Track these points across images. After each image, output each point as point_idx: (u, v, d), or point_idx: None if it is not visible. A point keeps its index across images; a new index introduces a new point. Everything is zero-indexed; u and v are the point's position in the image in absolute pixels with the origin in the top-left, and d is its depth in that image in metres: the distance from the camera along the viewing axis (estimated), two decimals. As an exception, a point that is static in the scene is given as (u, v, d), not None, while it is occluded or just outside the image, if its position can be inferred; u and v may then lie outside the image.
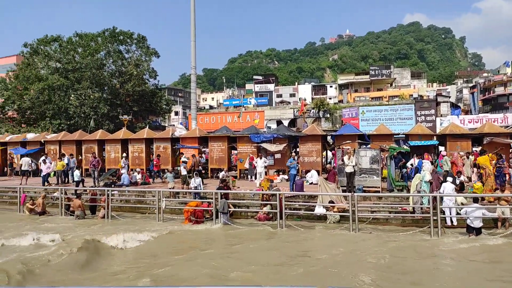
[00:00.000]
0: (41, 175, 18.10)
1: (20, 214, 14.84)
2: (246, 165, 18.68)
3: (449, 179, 11.80)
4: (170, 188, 15.17)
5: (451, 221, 11.30)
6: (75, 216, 13.72)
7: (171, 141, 20.92)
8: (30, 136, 24.94)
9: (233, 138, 20.16)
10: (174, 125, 59.68)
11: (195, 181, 14.53)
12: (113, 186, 16.30)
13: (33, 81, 32.16)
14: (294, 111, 45.00)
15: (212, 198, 12.73)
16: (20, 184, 18.64)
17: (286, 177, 17.48)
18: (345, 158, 13.61)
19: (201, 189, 14.47)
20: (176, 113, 71.40)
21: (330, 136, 21.58)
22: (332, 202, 12.37)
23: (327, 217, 12.28)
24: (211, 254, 9.39)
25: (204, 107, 72.69)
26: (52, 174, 19.77)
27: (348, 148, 14.43)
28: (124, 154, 20.31)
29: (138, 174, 18.59)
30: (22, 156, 21.91)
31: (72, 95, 32.81)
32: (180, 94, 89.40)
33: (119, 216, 13.78)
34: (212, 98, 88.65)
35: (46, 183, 17.62)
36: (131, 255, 9.33)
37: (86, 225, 12.83)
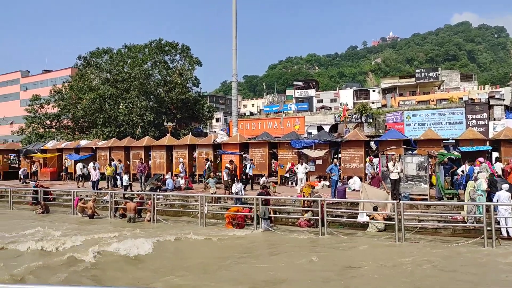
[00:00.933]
0: (91, 180, 19.11)
1: (73, 216, 15.79)
2: (250, 171, 18.58)
3: (505, 186, 11.02)
4: (212, 193, 15.47)
5: (507, 232, 10.54)
6: (127, 219, 14.34)
7: (213, 147, 21.36)
8: (83, 143, 26.55)
9: (273, 144, 20.21)
10: (215, 132, 60.87)
11: (236, 187, 14.72)
12: (158, 190, 16.90)
13: (86, 91, 34.28)
14: (335, 117, 44.28)
15: (253, 204, 12.84)
16: (78, 187, 19.93)
17: (327, 183, 17.21)
18: (390, 164, 13.17)
19: (242, 194, 14.62)
20: (218, 120, 72.78)
21: (373, 142, 20.99)
22: (377, 209, 11.99)
23: (369, 225, 11.92)
24: (253, 259, 9.43)
25: (245, 114, 73.51)
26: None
27: (393, 154, 13.95)
28: (181, 160, 20.77)
29: (181, 179, 19.13)
30: (76, 162, 23.39)
31: (121, 104, 34.56)
32: (221, 101, 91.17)
33: (164, 220, 14.26)
34: (253, 105, 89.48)
35: (96, 188, 18.63)
36: (168, 257, 9.60)
37: (139, 227, 13.38)
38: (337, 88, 76.39)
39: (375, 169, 16.63)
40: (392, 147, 16.27)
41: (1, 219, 15.53)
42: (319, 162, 18.36)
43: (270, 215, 12.54)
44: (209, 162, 19.39)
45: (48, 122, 36.02)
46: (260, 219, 12.36)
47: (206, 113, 43.04)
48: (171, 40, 38.97)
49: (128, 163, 23.36)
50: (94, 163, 20.12)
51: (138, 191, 17.38)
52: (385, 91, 62.64)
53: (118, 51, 38.08)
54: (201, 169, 21.65)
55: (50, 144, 27.32)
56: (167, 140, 23.30)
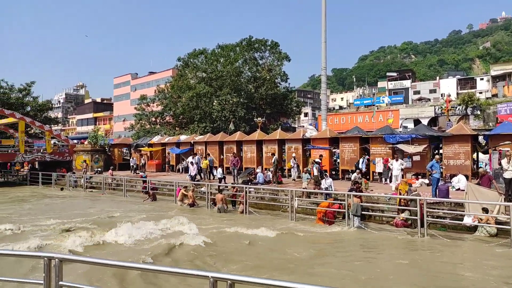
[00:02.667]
0: (189, 174, 20.66)
1: (175, 205, 17.34)
2: (378, 168, 17.80)
3: None
4: (302, 188, 15.54)
5: None
6: (216, 209, 15.31)
7: (302, 142, 21.41)
8: (183, 137, 28.90)
9: (365, 138, 19.46)
10: (303, 126, 60.75)
11: (326, 182, 14.57)
12: (250, 183, 17.59)
13: (184, 90, 37.21)
14: (435, 109, 40.66)
15: (343, 200, 12.59)
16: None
17: (426, 181, 15.98)
18: (503, 161, 11.69)
19: (332, 190, 14.43)
20: (306, 115, 72.47)
21: (482, 136, 18.81)
22: (487, 211, 10.77)
23: (478, 228, 10.76)
24: (346, 257, 9.27)
25: (334, 108, 71.88)
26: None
27: (508, 150, 12.33)
28: (294, 155, 20.93)
29: (271, 173, 19.57)
30: (177, 155, 25.59)
31: (215, 101, 36.70)
32: (309, 96, 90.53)
33: (256, 212, 14.82)
34: (342, 98, 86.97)
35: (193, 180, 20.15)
36: (259, 249, 9.91)
37: (228, 217, 14.19)
38: (437, 78, 69.86)
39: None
40: (507, 142, 14.37)
41: (122, 204, 17.80)
42: (416, 158, 17.13)
43: (362, 212, 12.16)
44: (275, 157, 19.53)
45: (153, 119, 40.01)
46: (351, 216, 12.08)
47: (294, 108, 43.24)
48: (261, 37, 40.03)
49: (221, 156, 24.76)
50: (193, 158, 21.67)
51: (231, 183, 18.33)
52: (495, 79, 55.21)
53: (212, 51, 40.42)
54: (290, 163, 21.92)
55: (155, 139, 30.35)
56: (257, 135, 24.05)
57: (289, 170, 21.62)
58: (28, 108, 39.94)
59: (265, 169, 20.95)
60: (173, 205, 17.33)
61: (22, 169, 32.10)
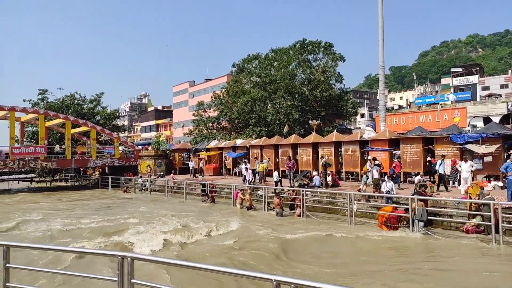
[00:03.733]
0: (243, 179, 21.00)
1: (233, 207, 17.70)
2: (440, 169, 16.65)
3: None
4: (361, 191, 15.07)
5: None
6: (275, 213, 15.37)
7: (360, 143, 20.78)
8: (239, 141, 29.50)
9: (429, 139, 18.37)
10: (360, 128, 58.80)
11: (387, 185, 13.97)
12: (306, 186, 17.43)
13: (239, 95, 37.95)
14: (507, 105, 37.19)
15: (406, 204, 11.98)
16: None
17: (500, 184, 14.66)
18: None
19: (393, 193, 13.80)
20: (362, 116, 70.25)
21: None
22: None
23: None
24: (410, 264, 8.81)
25: (392, 108, 68.78)
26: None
27: None
28: (369, 157, 19.65)
29: (328, 176, 19.24)
30: (233, 158, 26.16)
31: (269, 105, 36.96)
32: (365, 96, 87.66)
33: (313, 216, 14.64)
34: (401, 98, 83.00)
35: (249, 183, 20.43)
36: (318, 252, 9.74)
37: (286, 221, 14.17)
38: (509, 72, 63.93)
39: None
40: None
41: (187, 207, 18.61)
42: (488, 159, 15.79)
43: (428, 217, 11.47)
44: (324, 159, 18.99)
45: (210, 124, 41.28)
46: (415, 221, 11.45)
47: (350, 109, 42.08)
48: (314, 38, 39.59)
49: (277, 160, 24.85)
50: (245, 164, 22.14)
51: (287, 186, 18.31)
52: None
53: (266, 56, 40.78)
54: (347, 166, 21.40)
55: (213, 144, 31.32)
56: (312, 137, 23.80)
57: (347, 173, 21.12)
58: (98, 117, 43.34)
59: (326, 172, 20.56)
60: (232, 207, 17.71)
61: (93, 174, 34.87)
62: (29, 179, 34.52)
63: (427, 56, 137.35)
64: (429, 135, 18.83)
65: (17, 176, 34.10)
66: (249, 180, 20.47)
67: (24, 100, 41.05)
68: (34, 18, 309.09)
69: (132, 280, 4.20)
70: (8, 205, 20.47)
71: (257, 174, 21.90)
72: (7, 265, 4.95)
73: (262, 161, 22.80)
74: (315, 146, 23.01)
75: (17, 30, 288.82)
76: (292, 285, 3.09)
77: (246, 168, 21.28)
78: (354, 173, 21.24)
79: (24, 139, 34.40)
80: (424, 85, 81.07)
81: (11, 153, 26.30)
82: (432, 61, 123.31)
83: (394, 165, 17.19)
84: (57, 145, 32.09)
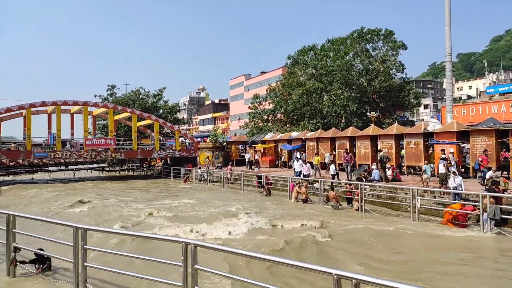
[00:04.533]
0: (295, 170, 20.85)
1: (289, 200, 17.74)
2: None
3: None
4: (424, 186, 14.30)
5: None
6: (330, 206, 15.16)
7: (423, 136, 19.66)
8: (294, 134, 29.38)
9: (503, 131, 16.83)
10: (423, 120, 55.47)
11: (455, 181, 13.08)
12: (364, 181, 16.92)
13: (294, 87, 37.66)
14: None
15: (475, 201, 11.14)
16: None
17: None
18: None
19: (462, 189, 12.89)
20: (426, 107, 66.24)
21: None
22: None
23: None
24: (481, 267, 8.21)
25: (460, 98, 63.86)
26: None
27: None
28: (452, 150, 17.86)
29: (389, 170, 18.48)
30: (289, 151, 26.14)
31: (325, 97, 36.23)
32: (429, 86, 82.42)
33: (372, 210, 14.20)
34: (470, 87, 76.79)
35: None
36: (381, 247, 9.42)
37: (343, 215, 13.92)
38: None
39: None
40: None
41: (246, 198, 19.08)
42: None
43: (501, 216, 10.57)
44: (382, 153, 18.18)
45: (266, 117, 41.55)
46: (487, 219, 10.61)
47: (412, 100, 39.85)
48: (373, 26, 37.90)
49: (333, 153, 24.37)
50: (300, 155, 22.13)
51: (345, 180, 17.91)
52: None
53: (322, 47, 39.93)
54: (409, 159, 20.38)
55: (268, 136, 31.53)
56: (371, 129, 22.97)
57: (409, 167, 20.14)
58: (161, 111, 45.68)
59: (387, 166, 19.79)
60: (287, 200, 17.77)
61: (157, 164, 36.94)
62: (101, 168, 37.52)
63: (500, 41, 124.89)
64: (503, 127, 17.25)
65: (90, 166, 37.21)
66: (304, 174, 20.31)
67: (95, 96, 44.65)
68: (102, 19, 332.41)
69: (196, 266, 4.43)
70: (86, 190, 22.41)
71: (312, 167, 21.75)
72: (85, 246, 5.47)
73: (317, 153, 22.50)
74: (374, 139, 22.20)
75: (88, 31, 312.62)
76: (353, 281, 3.05)
77: (297, 158, 21.12)
78: (417, 167, 20.18)
79: (96, 132, 37.35)
80: (496, 73, 74.16)
81: (85, 145, 28.74)
82: (507, 46, 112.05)
83: (480, 159, 16.00)
84: (121, 138, 34.45)
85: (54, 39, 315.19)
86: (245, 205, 15.96)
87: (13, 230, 6.50)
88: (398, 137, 21.18)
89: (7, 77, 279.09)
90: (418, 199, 12.82)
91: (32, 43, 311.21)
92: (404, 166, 20.91)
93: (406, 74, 40.28)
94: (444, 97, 40.17)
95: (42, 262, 6.80)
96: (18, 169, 33.08)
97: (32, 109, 27.76)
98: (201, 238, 10.04)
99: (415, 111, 55.65)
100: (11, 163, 31.03)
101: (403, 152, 21.34)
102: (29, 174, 33.10)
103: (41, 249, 6.63)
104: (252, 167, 28.17)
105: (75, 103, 29.47)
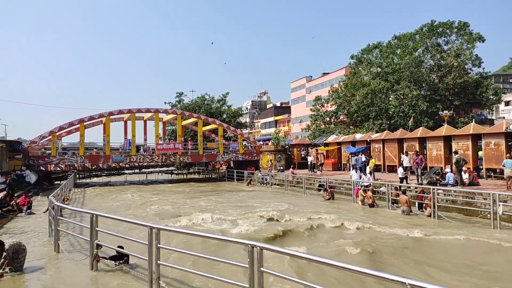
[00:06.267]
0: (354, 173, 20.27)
1: (354, 204, 17.19)
2: None
3: None
4: (508, 188, 12.97)
5: None
6: (401, 211, 14.38)
7: (505, 136, 17.88)
8: (358, 136, 28.45)
9: None
10: (504, 118, 50.28)
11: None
12: (438, 184, 15.83)
13: (358, 87, 36.47)
14: None
15: None
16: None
17: None
18: None
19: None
20: (507, 103, 60.01)
21: None
22: None
23: None
24: None
25: (550, 92, 56.86)
26: None
27: None
28: None
29: (465, 173, 17.06)
30: (352, 154, 25.36)
31: (392, 96, 34.54)
32: (511, 80, 74.72)
33: (446, 217, 13.22)
34: (562, 79, 68.00)
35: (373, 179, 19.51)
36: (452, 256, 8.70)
37: (415, 221, 13.13)
38: None
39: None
40: None
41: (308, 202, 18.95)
42: None
43: None
44: (457, 155, 16.59)
45: (328, 119, 40.78)
46: None
47: (491, 96, 36.37)
48: (445, 19, 35.36)
49: (401, 155, 23.12)
50: (354, 162, 21.55)
51: (415, 184, 16.91)
52: None
53: (388, 43, 38.22)
54: (489, 162, 18.63)
55: (331, 138, 30.92)
56: (444, 130, 21.45)
57: (488, 169, 18.42)
58: (224, 116, 47.14)
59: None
60: (352, 204, 17.25)
61: (221, 167, 38.13)
62: (170, 171, 39.73)
63: None
64: None
65: (160, 169, 39.60)
66: (359, 176, 19.68)
67: (165, 103, 47.47)
68: (170, 31, 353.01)
69: (261, 269, 4.50)
70: (160, 192, 23.87)
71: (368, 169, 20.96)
72: (158, 245, 5.84)
73: (371, 156, 21.75)
74: (447, 140, 20.71)
75: (157, 43, 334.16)
76: (428, 292, 2.88)
77: (355, 168, 20.53)
78: (498, 170, 18.38)
79: (166, 137, 39.68)
80: None
81: (156, 149, 30.67)
82: None
83: None
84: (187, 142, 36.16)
85: (125, 51, 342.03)
86: (310, 207, 15.79)
87: (96, 228, 7.17)
88: (476, 138, 19.51)
89: (88, 88, 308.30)
90: (500, 205, 11.66)
91: (109, 56, 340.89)
92: (482, 169, 19.18)
93: (483, 68, 37.00)
94: (531, 92, 36.10)
95: (121, 258, 7.40)
96: (99, 172, 36.35)
97: (111, 116, 30.31)
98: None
99: (494, 109, 50.68)
100: (92, 167, 34.20)
101: (481, 153, 19.62)
102: (107, 177, 36.17)
103: (121, 247, 7.21)
104: (315, 170, 27.80)
105: (148, 110, 31.60)
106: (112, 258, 7.44)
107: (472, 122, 23.29)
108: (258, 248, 4.50)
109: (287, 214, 14.02)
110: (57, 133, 28.42)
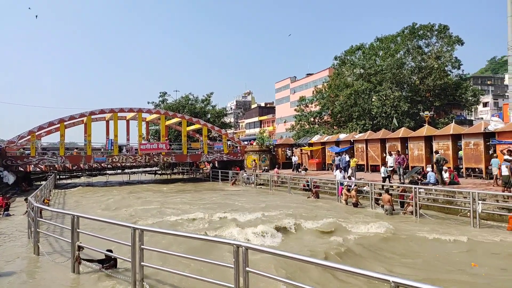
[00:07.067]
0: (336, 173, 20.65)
1: (338, 203, 17.35)
2: None
3: None
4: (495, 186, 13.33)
5: None
6: (384, 210, 14.60)
7: (484, 136, 18.36)
8: (342, 136, 28.74)
9: None
10: (482, 118, 51.71)
11: (522, 184, 12.06)
12: (419, 183, 16.13)
13: (342, 88, 36.88)
14: None
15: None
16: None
17: None
18: None
19: (530, 194, 11.84)
20: (485, 105, 61.84)
21: None
22: None
23: None
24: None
25: (526, 94, 58.73)
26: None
27: None
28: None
29: (445, 173, 17.45)
30: (337, 154, 25.60)
31: (374, 97, 35.08)
32: (489, 82, 77.03)
33: (427, 215, 13.49)
34: (537, 81, 70.36)
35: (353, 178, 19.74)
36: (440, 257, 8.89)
37: (397, 219, 13.33)
38: None
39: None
40: None
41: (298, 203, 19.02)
42: None
43: None
44: (438, 155, 17.12)
45: (312, 119, 41.08)
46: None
47: (470, 97, 37.36)
48: (426, 22, 36.08)
49: (384, 155, 23.49)
50: (337, 162, 21.92)
51: (397, 183, 17.20)
52: None
53: (370, 45, 38.77)
54: (468, 161, 19.11)
55: (315, 138, 31.15)
56: (425, 130, 21.87)
57: (467, 169, 18.88)
58: (209, 116, 46.90)
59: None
60: (336, 203, 17.41)
61: (205, 168, 37.90)
62: (153, 172, 39.23)
63: None
64: None
65: (144, 169, 39.07)
66: (343, 176, 19.95)
67: (148, 102, 46.89)
68: (152, 30, 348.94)
69: (247, 268, 4.48)
70: (143, 193, 23.54)
71: (350, 169, 21.28)
72: (142, 246, 5.74)
73: (352, 156, 22.07)
74: (428, 140, 21.13)
75: (141, 40, 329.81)
76: (413, 289, 2.91)
77: (339, 168, 20.78)
78: (477, 170, 18.87)
79: (149, 137, 39.17)
80: None
81: (140, 149, 30.25)
82: None
83: None
84: (172, 143, 35.81)
85: (109, 51, 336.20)
86: (295, 207, 15.85)
87: (77, 230, 7.00)
88: (456, 138, 19.96)
89: (67, 87, 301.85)
90: (479, 203, 11.97)
91: (90, 55, 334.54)
92: (462, 168, 19.67)
93: (463, 70, 38.04)
94: (506, 94, 37.14)
95: (108, 261, 7.24)
96: (80, 173, 35.58)
97: (92, 116, 29.73)
98: (254, 241, 10.07)
99: (473, 110, 52.14)
100: (73, 167, 33.47)
101: (461, 153, 20.11)
102: (89, 177, 35.46)
103: (110, 250, 7.05)
104: (299, 169, 27.96)
105: (131, 110, 31.14)
106: (100, 261, 7.28)
107: (452, 122, 23.86)
108: (243, 248, 4.49)
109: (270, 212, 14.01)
110: (37, 133, 27.70)
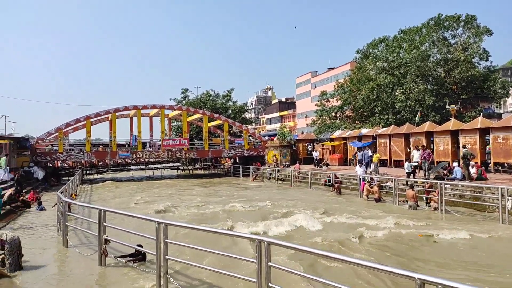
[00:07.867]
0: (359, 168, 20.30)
1: (360, 199, 17.13)
2: None
3: None
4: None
5: None
6: (408, 206, 14.31)
7: (514, 130, 17.69)
8: (364, 131, 28.31)
9: None
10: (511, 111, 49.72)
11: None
12: (445, 179, 15.72)
13: (364, 82, 36.23)
14: None
15: None
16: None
17: None
18: None
19: None
20: (516, 97, 59.30)
21: None
22: None
23: None
24: None
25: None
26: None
27: None
28: None
29: (472, 168, 16.92)
30: (359, 149, 25.27)
31: (398, 91, 34.29)
32: (520, 73, 73.77)
33: (453, 211, 13.14)
34: None
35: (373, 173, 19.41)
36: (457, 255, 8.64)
37: (422, 216, 13.05)
38: None
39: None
40: None
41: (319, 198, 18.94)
42: None
43: None
44: (465, 149, 16.51)
45: (333, 114, 40.59)
46: None
47: (498, 90, 35.98)
48: (452, 13, 34.90)
49: (408, 150, 23.03)
50: (359, 157, 21.50)
51: (421, 178, 16.82)
52: None
53: (394, 38, 37.87)
54: (497, 156, 18.46)
55: (337, 133, 30.81)
56: (451, 124, 21.26)
57: (496, 164, 18.25)
58: (229, 111, 47.10)
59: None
60: (358, 199, 17.20)
61: (226, 163, 38.16)
62: (176, 167, 39.87)
63: None
64: None
65: (166, 165, 39.76)
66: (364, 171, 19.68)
67: (170, 99, 47.50)
68: (174, 28, 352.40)
69: (269, 263, 4.50)
70: (167, 188, 23.97)
71: (372, 165, 20.91)
72: (166, 240, 5.86)
73: (375, 151, 21.49)
74: (454, 134, 20.54)
75: (160, 39, 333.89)
76: (439, 286, 2.86)
77: (360, 163, 20.49)
78: (506, 165, 18.22)
79: (171, 133, 39.74)
80: None
81: (162, 145, 30.77)
82: None
83: None
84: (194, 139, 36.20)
85: (135, 49, 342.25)
86: (319, 203, 15.77)
87: (104, 223, 7.22)
88: (483, 132, 19.32)
89: (92, 83, 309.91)
90: (508, 199, 11.56)
91: (114, 54, 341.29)
92: (490, 163, 19.02)
93: (491, 62, 36.58)
94: (540, 85, 35.61)
95: (137, 255, 7.43)
96: (105, 168, 36.57)
97: (117, 113, 30.42)
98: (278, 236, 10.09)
99: (502, 103, 50.20)
100: (99, 163, 34.42)
101: (489, 148, 19.46)
102: (114, 173, 36.40)
103: (140, 245, 7.22)
104: (320, 165, 27.75)
105: (153, 106, 31.67)
106: (131, 255, 7.47)
107: (479, 116, 23.05)
108: (265, 243, 4.51)
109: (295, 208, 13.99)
110: (64, 130, 28.59)
